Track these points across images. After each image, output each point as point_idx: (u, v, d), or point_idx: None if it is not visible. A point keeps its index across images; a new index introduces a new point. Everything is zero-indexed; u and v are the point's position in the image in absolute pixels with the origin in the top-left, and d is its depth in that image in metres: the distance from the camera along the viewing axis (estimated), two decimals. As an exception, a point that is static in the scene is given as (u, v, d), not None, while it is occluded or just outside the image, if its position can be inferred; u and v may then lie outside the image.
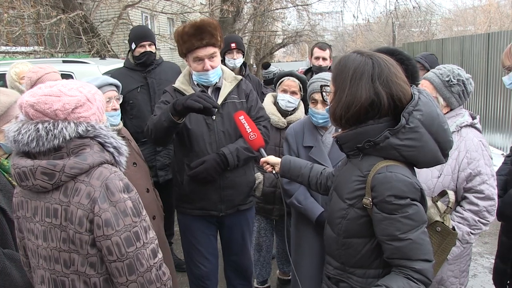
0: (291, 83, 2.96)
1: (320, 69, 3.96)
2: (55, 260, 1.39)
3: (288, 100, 2.96)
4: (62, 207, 1.33)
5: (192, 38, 2.29)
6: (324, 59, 4.02)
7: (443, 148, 1.44)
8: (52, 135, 1.32)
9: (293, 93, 2.96)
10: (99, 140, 1.41)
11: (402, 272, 1.38)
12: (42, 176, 1.32)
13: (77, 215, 1.31)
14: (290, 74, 3.00)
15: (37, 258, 1.46)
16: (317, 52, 4.05)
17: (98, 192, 1.31)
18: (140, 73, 3.45)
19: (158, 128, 2.25)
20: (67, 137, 1.33)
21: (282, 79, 3.01)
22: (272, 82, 3.69)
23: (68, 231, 1.34)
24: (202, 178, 2.36)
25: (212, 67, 2.37)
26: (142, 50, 3.42)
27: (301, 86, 2.98)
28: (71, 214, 1.32)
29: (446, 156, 1.46)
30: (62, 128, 1.32)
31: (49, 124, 1.32)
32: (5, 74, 3.86)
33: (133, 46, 3.43)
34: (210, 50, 2.33)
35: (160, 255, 1.44)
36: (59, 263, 1.39)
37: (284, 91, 2.98)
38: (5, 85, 3.36)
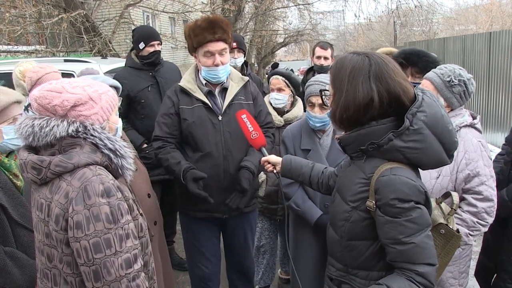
0: (275, 81, 3.03)
1: (321, 68, 3.97)
2: (41, 252, 1.42)
3: (274, 97, 3.01)
4: (46, 203, 1.35)
5: (205, 31, 2.29)
6: (325, 58, 4.02)
7: (448, 149, 1.42)
8: (44, 132, 1.33)
9: (279, 90, 3.00)
10: (91, 141, 1.39)
11: (404, 274, 1.36)
12: (32, 171, 1.34)
13: (55, 213, 1.32)
14: (275, 72, 3.07)
15: (35, 248, 1.49)
16: (318, 51, 4.05)
17: (75, 193, 1.30)
18: (148, 72, 3.46)
19: (169, 171, 2.43)
20: (57, 136, 1.34)
21: (270, 79, 3.10)
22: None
23: (49, 227, 1.35)
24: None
25: (222, 63, 2.36)
26: (151, 49, 3.43)
27: (287, 81, 3.00)
28: (51, 211, 1.33)
29: (451, 157, 1.45)
30: (53, 126, 1.33)
31: (43, 121, 1.34)
32: (6, 73, 3.88)
33: (142, 45, 3.43)
34: (221, 45, 2.34)
35: (137, 266, 1.36)
36: (44, 255, 1.41)
37: (272, 90, 3.05)
38: (7, 85, 3.36)
